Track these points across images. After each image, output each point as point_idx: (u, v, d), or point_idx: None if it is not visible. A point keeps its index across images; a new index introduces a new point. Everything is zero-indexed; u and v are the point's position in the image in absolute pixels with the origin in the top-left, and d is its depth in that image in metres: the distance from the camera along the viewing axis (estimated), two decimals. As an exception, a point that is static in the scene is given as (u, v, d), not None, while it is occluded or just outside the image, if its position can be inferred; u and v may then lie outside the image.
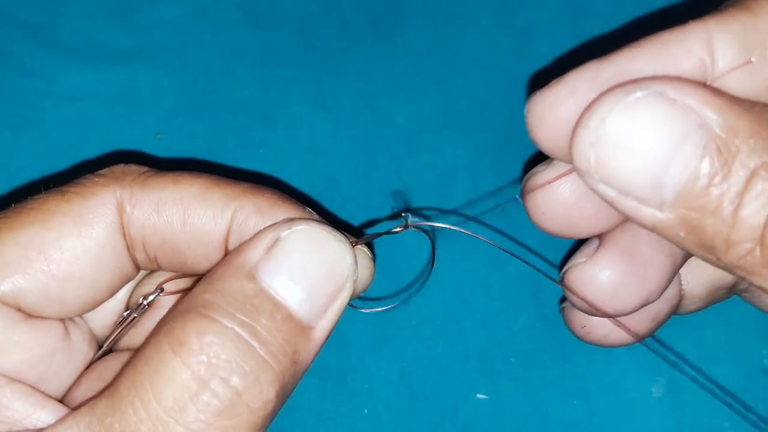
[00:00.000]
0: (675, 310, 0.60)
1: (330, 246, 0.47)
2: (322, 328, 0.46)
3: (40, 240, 0.47)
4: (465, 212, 0.68)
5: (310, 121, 0.73)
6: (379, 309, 0.60)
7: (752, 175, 0.39)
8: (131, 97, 0.73)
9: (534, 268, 0.57)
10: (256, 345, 0.43)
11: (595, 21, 0.76)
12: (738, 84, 0.43)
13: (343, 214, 0.70)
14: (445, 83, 0.75)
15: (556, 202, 0.52)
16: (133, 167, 0.51)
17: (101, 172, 0.51)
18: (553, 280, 0.57)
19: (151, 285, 0.54)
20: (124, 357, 0.50)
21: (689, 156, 0.40)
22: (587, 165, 0.42)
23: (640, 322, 0.58)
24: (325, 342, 0.47)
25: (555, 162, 0.52)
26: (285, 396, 0.45)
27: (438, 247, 0.64)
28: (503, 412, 0.65)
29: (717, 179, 0.40)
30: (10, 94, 0.72)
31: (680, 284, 0.59)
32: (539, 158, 0.69)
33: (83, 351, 0.51)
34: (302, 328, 0.45)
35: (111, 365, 0.51)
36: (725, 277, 0.59)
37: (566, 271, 0.56)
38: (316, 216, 0.50)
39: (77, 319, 0.52)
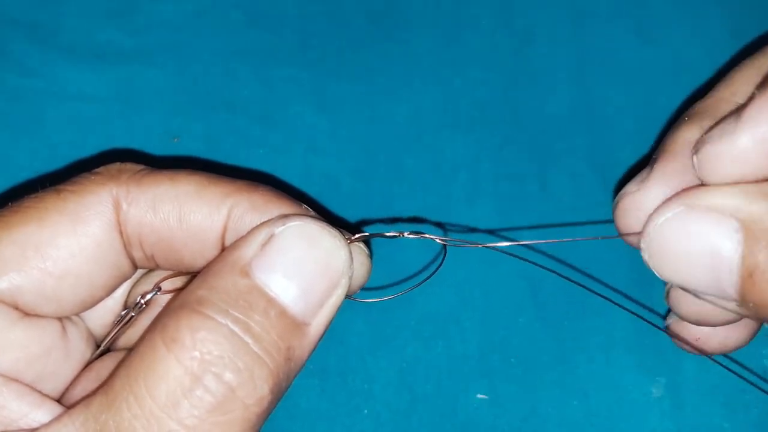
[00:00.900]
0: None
1: (325, 242, 0.47)
2: (317, 324, 0.46)
3: (36, 238, 0.47)
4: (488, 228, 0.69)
5: (310, 121, 0.73)
6: (377, 299, 0.60)
7: None
8: (131, 97, 0.73)
9: (633, 313, 0.59)
10: (249, 341, 0.43)
11: (595, 21, 0.76)
12: None
13: (343, 214, 0.70)
14: (445, 83, 0.75)
15: None
16: (129, 165, 0.51)
17: (97, 170, 0.51)
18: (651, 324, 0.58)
19: (148, 284, 0.54)
20: (121, 356, 0.50)
21: (729, 257, 0.44)
22: (662, 277, 0.48)
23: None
24: (320, 339, 0.47)
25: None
26: (280, 393, 0.45)
27: (438, 247, 0.64)
28: (503, 412, 0.65)
29: (765, 276, 0.43)
30: (10, 94, 0.72)
31: None
32: (538, 160, 0.70)
33: (81, 350, 0.51)
34: (297, 325, 0.45)
35: (108, 364, 0.50)
36: None
37: (669, 290, 0.57)
38: (311, 212, 0.50)
39: (75, 318, 0.52)
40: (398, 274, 0.67)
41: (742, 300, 0.45)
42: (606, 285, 0.66)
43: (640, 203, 0.51)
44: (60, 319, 0.50)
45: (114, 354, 0.53)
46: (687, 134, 0.52)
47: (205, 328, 0.42)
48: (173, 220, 0.49)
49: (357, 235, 0.51)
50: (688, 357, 0.65)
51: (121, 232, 0.49)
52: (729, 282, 0.44)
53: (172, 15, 0.76)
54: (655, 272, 0.47)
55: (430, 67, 0.75)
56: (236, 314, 0.43)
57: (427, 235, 0.54)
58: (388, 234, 0.54)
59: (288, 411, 0.64)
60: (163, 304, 0.50)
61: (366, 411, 0.65)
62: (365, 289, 0.55)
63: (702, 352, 0.59)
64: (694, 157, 0.47)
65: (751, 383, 0.60)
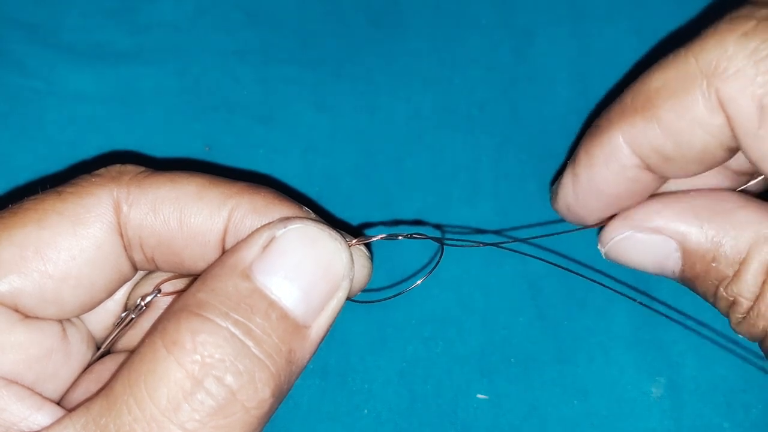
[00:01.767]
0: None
1: (326, 244, 0.47)
2: (318, 327, 0.46)
3: (36, 240, 0.47)
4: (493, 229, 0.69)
5: (310, 121, 0.73)
6: (377, 300, 0.60)
7: (716, 293, 0.53)
8: (131, 97, 0.73)
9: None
10: (250, 344, 0.43)
11: (595, 21, 0.76)
12: (673, 169, 0.52)
13: (343, 214, 0.70)
14: (445, 83, 0.74)
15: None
16: (129, 167, 0.51)
17: (98, 172, 0.51)
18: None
19: (148, 286, 0.54)
20: (122, 358, 0.50)
21: (672, 266, 0.55)
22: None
23: None
24: (321, 341, 0.47)
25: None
26: (281, 395, 0.45)
27: (438, 248, 0.64)
28: (503, 412, 0.65)
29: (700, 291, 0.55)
30: (10, 94, 0.72)
31: None
32: (538, 160, 0.70)
33: (81, 352, 0.51)
34: (298, 327, 0.45)
35: (109, 367, 0.50)
36: None
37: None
38: (312, 215, 0.50)
39: (75, 320, 0.52)
40: (398, 274, 0.67)
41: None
42: (607, 278, 0.66)
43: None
44: (60, 321, 0.50)
45: (114, 356, 0.53)
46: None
47: (205, 331, 0.42)
48: (174, 222, 0.49)
49: (358, 240, 0.51)
50: (688, 357, 0.65)
51: (121, 234, 0.49)
52: (674, 277, 0.55)
53: (172, 15, 0.76)
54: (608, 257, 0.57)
55: (430, 67, 0.75)
56: (237, 317, 0.43)
57: (424, 236, 0.54)
58: (383, 236, 0.54)
59: (288, 411, 0.64)
60: (164, 306, 0.50)
61: (366, 411, 0.65)
62: (366, 290, 0.55)
63: None
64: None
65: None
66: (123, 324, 0.52)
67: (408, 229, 0.69)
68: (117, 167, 0.51)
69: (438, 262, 0.58)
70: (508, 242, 0.63)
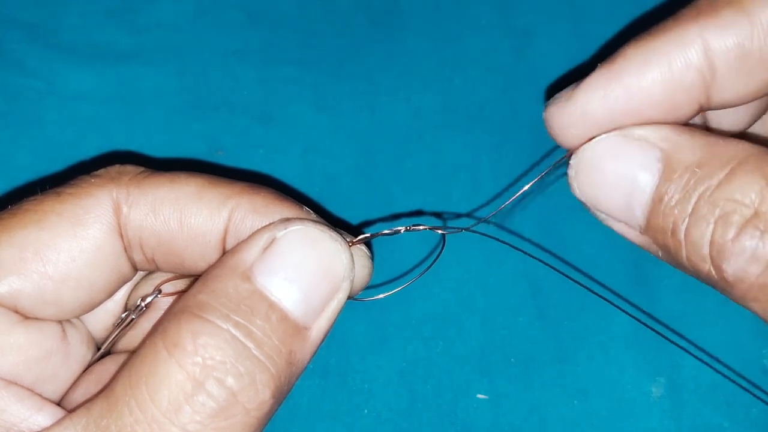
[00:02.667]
0: None
1: (326, 245, 0.47)
2: (318, 328, 0.46)
3: (35, 241, 0.47)
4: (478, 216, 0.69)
5: (310, 121, 0.73)
6: (378, 297, 0.60)
7: (698, 200, 0.44)
8: (131, 97, 0.73)
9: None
10: (251, 346, 0.43)
11: (595, 21, 0.76)
12: (734, 86, 0.46)
13: (343, 214, 0.70)
14: (445, 83, 0.75)
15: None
16: (129, 167, 0.51)
17: (97, 172, 0.51)
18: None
19: (149, 286, 0.54)
20: (122, 359, 0.50)
21: (646, 185, 0.46)
22: (579, 195, 0.49)
23: None
24: (321, 342, 0.47)
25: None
26: (281, 396, 0.45)
27: (437, 238, 0.64)
28: (503, 412, 0.65)
29: (671, 204, 0.45)
30: (10, 94, 0.72)
31: None
32: (538, 160, 0.70)
33: (81, 353, 0.51)
34: (298, 329, 0.45)
35: (109, 367, 0.50)
36: None
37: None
38: (313, 215, 0.50)
39: (75, 320, 0.52)
40: (398, 269, 0.67)
41: (647, 225, 0.47)
42: (605, 285, 0.66)
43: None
44: (60, 322, 0.50)
45: (114, 357, 0.53)
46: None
47: (206, 332, 0.42)
48: (174, 222, 0.49)
49: (358, 238, 0.51)
50: (688, 357, 0.65)
51: (121, 235, 0.49)
52: (640, 204, 0.47)
53: (172, 15, 0.76)
54: (577, 191, 0.50)
55: (430, 67, 0.75)
56: (238, 319, 0.43)
57: (424, 227, 0.54)
58: (386, 231, 0.54)
59: (289, 410, 0.64)
60: (164, 307, 0.50)
61: (366, 411, 0.65)
62: (367, 288, 0.55)
63: None
64: (544, 113, 0.51)
65: (746, 389, 0.60)
66: (123, 325, 0.52)
67: (408, 221, 0.69)
68: (116, 168, 0.51)
69: (441, 251, 0.58)
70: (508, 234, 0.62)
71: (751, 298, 0.43)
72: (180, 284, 0.53)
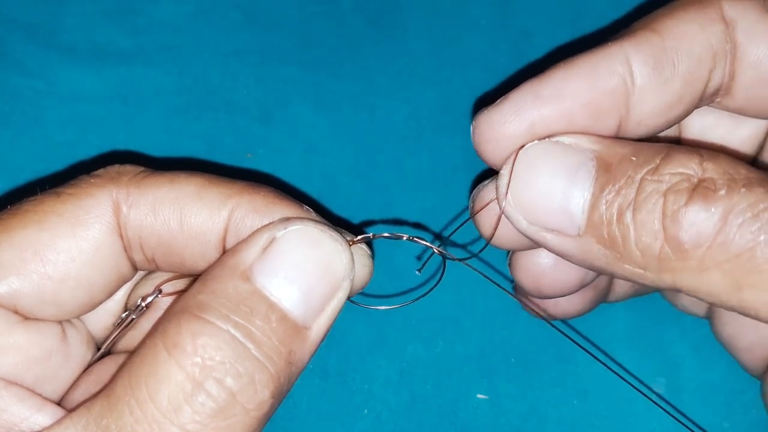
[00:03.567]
0: (604, 298, 0.63)
1: (326, 245, 0.47)
2: (318, 328, 0.46)
3: (35, 241, 0.47)
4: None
5: (310, 121, 0.73)
6: (383, 308, 0.60)
7: (641, 182, 0.45)
8: (131, 97, 0.73)
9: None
10: (250, 346, 0.43)
11: (594, 21, 0.76)
12: (653, 96, 0.49)
13: (343, 214, 0.70)
14: (444, 83, 0.75)
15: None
16: (128, 167, 0.51)
17: (97, 172, 0.51)
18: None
19: (149, 286, 0.54)
20: (122, 359, 0.50)
21: (584, 181, 0.47)
22: (510, 209, 0.49)
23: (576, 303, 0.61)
24: (321, 342, 0.47)
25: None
26: (281, 396, 0.45)
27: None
28: (503, 412, 0.65)
29: (612, 194, 0.46)
30: (10, 94, 0.72)
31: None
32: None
33: (81, 353, 0.51)
34: (298, 329, 0.45)
35: (109, 367, 0.50)
36: None
37: (512, 255, 0.58)
38: (313, 214, 0.50)
39: (75, 321, 0.52)
40: (399, 273, 0.67)
41: (587, 223, 0.46)
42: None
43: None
44: (60, 322, 0.50)
45: (114, 357, 0.53)
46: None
47: (206, 333, 0.42)
48: (174, 222, 0.49)
49: (358, 237, 0.51)
50: (688, 357, 0.65)
51: (121, 235, 0.49)
52: (578, 203, 0.47)
53: (172, 15, 0.76)
54: (511, 203, 0.49)
55: (430, 67, 0.75)
56: (237, 319, 0.43)
57: (427, 244, 0.54)
58: (386, 235, 0.54)
59: (288, 410, 0.64)
60: (164, 307, 0.50)
61: (366, 411, 0.65)
62: (369, 294, 0.55)
63: (546, 316, 0.62)
64: (471, 127, 0.52)
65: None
66: (123, 325, 0.52)
67: (409, 230, 0.69)
68: (116, 168, 0.51)
69: (441, 278, 0.58)
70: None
71: (709, 264, 0.43)
72: (180, 284, 0.52)
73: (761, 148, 0.57)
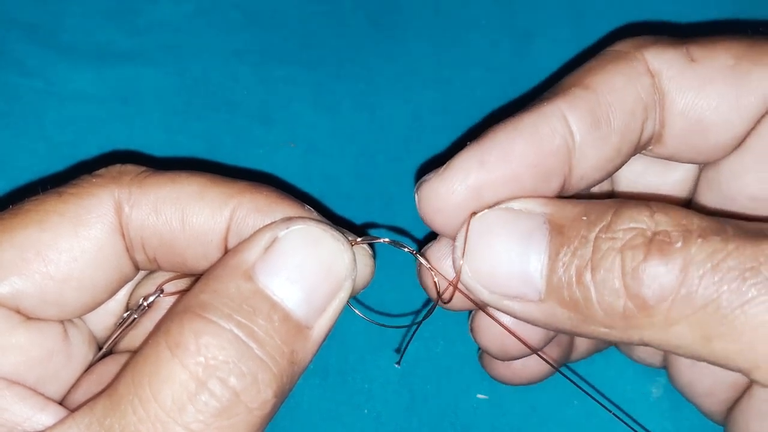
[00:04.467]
0: (568, 357, 0.62)
1: (328, 245, 0.47)
2: (320, 327, 0.46)
3: (37, 241, 0.47)
4: None
5: (310, 121, 0.73)
6: (395, 326, 0.60)
7: (596, 241, 0.45)
8: (131, 97, 0.73)
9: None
10: (253, 346, 0.43)
11: (595, 21, 0.76)
12: (594, 152, 0.49)
13: (343, 214, 0.70)
14: (445, 83, 0.75)
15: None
16: (130, 167, 0.51)
17: (98, 172, 0.51)
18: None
19: (150, 286, 0.54)
20: (123, 359, 0.50)
21: (539, 245, 0.46)
22: (469, 281, 0.49)
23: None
24: (323, 341, 0.47)
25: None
26: (283, 396, 0.45)
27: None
28: (503, 412, 0.65)
29: (568, 256, 0.45)
30: (10, 94, 0.72)
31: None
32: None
33: (83, 353, 0.51)
34: (300, 328, 0.45)
35: (110, 367, 0.50)
36: None
37: (473, 320, 0.57)
38: (315, 214, 0.50)
39: (77, 320, 0.52)
40: (399, 272, 0.67)
41: (548, 287, 0.46)
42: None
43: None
44: (62, 322, 0.50)
45: (116, 356, 0.53)
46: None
47: (209, 332, 0.42)
48: (176, 222, 0.49)
49: (361, 239, 0.51)
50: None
51: (123, 235, 0.49)
52: (536, 268, 0.46)
53: (172, 15, 0.76)
54: (468, 274, 0.49)
55: (430, 67, 0.75)
56: (240, 319, 0.43)
57: (428, 265, 0.53)
58: (387, 240, 0.54)
59: (289, 410, 0.64)
60: (166, 307, 0.50)
61: (366, 411, 0.65)
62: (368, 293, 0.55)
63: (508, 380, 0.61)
64: (415, 194, 0.51)
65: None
66: (125, 324, 0.52)
67: (410, 229, 0.69)
68: (118, 167, 0.51)
69: (432, 310, 0.57)
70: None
71: (676, 318, 0.43)
72: (182, 283, 0.52)
73: (694, 190, 0.57)
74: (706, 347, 0.42)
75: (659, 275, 0.42)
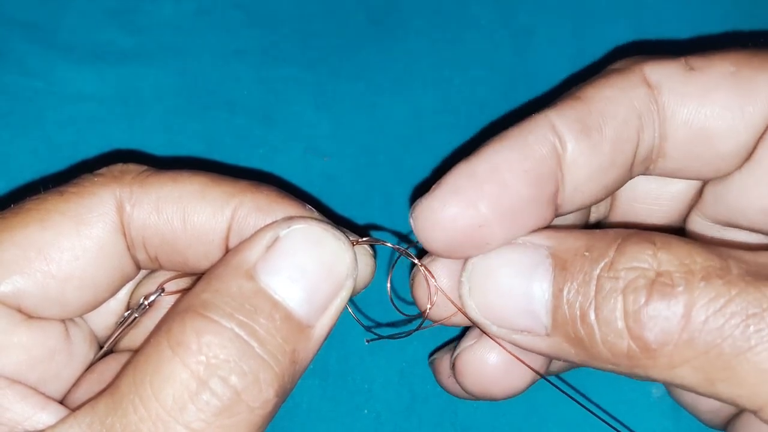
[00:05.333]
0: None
1: (329, 244, 0.47)
2: (321, 326, 0.46)
3: (38, 240, 0.47)
4: None
5: (310, 120, 0.73)
6: (396, 337, 0.60)
7: (599, 279, 0.44)
8: (131, 97, 0.73)
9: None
10: (254, 345, 0.43)
11: (595, 21, 0.76)
12: (585, 160, 0.49)
13: (343, 214, 0.70)
14: (445, 83, 0.75)
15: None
16: (131, 166, 0.51)
17: (100, 171, 0.51)
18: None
19: (151, 285, 0.54)
20: (124, 358, 0.50)
21: (543, 280, 0.46)
22: (476, 315, 0.49)
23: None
24: (324, 340, 0.47)
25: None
26: (284, 395, 0.45)
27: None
28: (503, 412, 0.65)
29: (573, 291, 0.45)
30: (10, 94, 0.72)
31: None
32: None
33: (84, 352, 0.51)
34: (301, 328, 0.45)
35: (111, 366, 0.51)
36: None
37: (457, 355, 0.57)
38: (316, 213, 0.50)
39: (78, 319, 0.52)
40: (400, 272, 0.67)
41: (553, 323, 0.46)
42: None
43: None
44: (63, 321, 0.50)
45: (116, 355, 0.53)
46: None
47: (210, 331, 0.42)
48: (177, 221, 0.49)
49: (362, 239, 0.51)
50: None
51: (124, 234, 0.49)
52: (541, 304, 0.46)
53: (172, 15, 0.76)
54: (474, 310, 0.49)
55: (430, 67, 0.75)
56: (241, 318, 0.43)
57: (431, 276, 0.53)
58: (389, 244, 0.54)
59: (289, 410, 0.64)
60: (167, 306, 0.50)
61: (366, 411, 0.65)
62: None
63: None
64: (410, 218, 0.50)
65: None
66: (126, 323, 0.52)
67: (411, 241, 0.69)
68: (119, 166, 0.51)
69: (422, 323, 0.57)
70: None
71: (679, 361, 0.43)
72: (183, 283, 0.52)
73: (696, 201, 0.56)
74: (710, 388, 0.43)
75: (661, 319, 0.42)
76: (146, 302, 0.51)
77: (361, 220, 0.70)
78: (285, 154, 0.72)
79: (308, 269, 0.46)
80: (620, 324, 0.43)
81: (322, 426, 0.65)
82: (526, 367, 0.53)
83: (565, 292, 0.45)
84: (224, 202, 0.49)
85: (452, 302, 0.53)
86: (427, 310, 0.53)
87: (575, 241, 0.47)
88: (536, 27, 0.77)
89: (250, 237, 0.47)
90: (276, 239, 0.46)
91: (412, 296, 0.54)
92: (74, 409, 0.44)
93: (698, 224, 0.56)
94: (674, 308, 0.42)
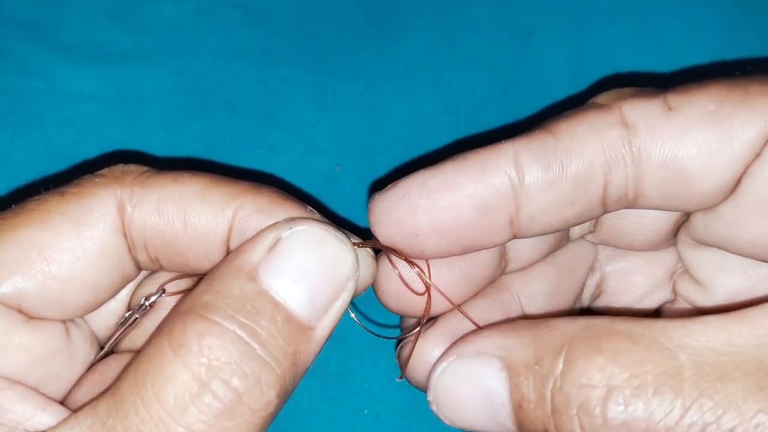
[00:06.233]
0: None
1: (331, 246, 0.47)
2: (323, 328, 0.46)
3: (39, 241, 0.47)
4: None
5: (310, 120, 0.73)
6: (396, 338, 0.60)
7: (552, 398, 0.45)
8: (131, 97, 0.73)
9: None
10: (256, 346, 0.43)
11: (595, 21, 0.76)
12: (542, 194, 0.49)
13: (343, 215, 0.70)
14: (445, 83, 0.75)
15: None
16: (132, 167, 0.51)
17: (101, 172, 0.51)
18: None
19: (152, 285, 0.54)
20: (125, 358, 0.50)
21: (501, 396, 0.47)
22: (452, 425, 0.50)
23: None
24: (326, 341, 0.47)
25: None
26: (286, 396, 0.45)
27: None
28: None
29: (531, 408, 0.46)
30: (10, 94, 0.72)
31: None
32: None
33: (84, 352, 0.51)
34: (303, 329, 0.45)
35: (112, 367, 0.51)
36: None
37: (401, 347, 0.58)
38: (317, 215, 0.50)
39: (78, 320, 0.52)
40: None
41: (520, 430, 0.47)
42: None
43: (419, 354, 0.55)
44: (63, 321, 0.50)
45: (117, 356, 0.53)
46: None
47: (212, 333, 0.42)
48: (178, 222, 0.49)
49: (365, 242, 0.51)
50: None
51: (125, 235, 0.49)
52: (505, 416, 0.47)
53: (172, 15, 0.76)
54: (445, 420, 0.50)
55: (430, 67, 0.75)
56: (243, 319, 0.43)
57: (430, 284, 0.53)
58: (391, 249, 0.54)
59: (289, 411, 0.64)
60: (168, 307, 0.50)
61: (366, 411, 0.65)
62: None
63: None
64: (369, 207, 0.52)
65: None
66: (127, 324, 0.52)
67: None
68: (120, 167, 0.51)
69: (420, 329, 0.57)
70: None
71: None
72: (184, 283, 0.52)
73: (679, 227, 0.56)
74: None
75: None
76: (147, 303, 0.51)
77: (361, 220, 0.70)
78: (285, 154, 0.72)
79: (310, 270, 0.46)
80: None
81: (322, 426, 0.65)
82: None
83: (524, 407, 0.46)
84: (225, 203, 0.49)
85: (448, 300, 0.53)
86: (425, 311, 0.53)
87: (524, 351, 0.47)
88: (536, 27, 0.77)
89: (252, 238, 0.47)
90: (278, 240, 0.46)
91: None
92: (75, 410, 0.44)
93: (688, 243, 0.56)
94: (629, 423, 0.43)
